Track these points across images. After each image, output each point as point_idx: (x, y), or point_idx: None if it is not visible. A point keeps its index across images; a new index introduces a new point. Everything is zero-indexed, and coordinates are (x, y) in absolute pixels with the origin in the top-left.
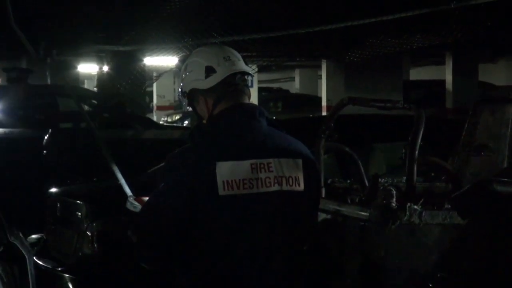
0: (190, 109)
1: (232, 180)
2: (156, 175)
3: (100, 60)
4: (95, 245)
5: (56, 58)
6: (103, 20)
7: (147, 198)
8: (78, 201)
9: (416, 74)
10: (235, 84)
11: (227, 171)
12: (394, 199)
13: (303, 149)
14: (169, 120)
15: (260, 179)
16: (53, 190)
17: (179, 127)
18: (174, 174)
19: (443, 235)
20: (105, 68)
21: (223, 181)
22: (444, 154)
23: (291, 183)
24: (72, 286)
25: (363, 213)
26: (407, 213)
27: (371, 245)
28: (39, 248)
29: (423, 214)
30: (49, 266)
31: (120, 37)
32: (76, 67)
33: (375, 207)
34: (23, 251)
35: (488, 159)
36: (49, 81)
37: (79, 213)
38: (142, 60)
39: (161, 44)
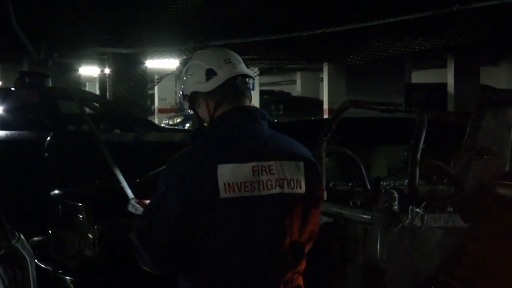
0: (192, 112)
1: (233, 183)
2: (157, 178)
3: (101, 62)
4: (97, 247)
5: (57, 60)
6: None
7: (149, 200)
8: (80, 204)
9: (418, 77)
10: (236, 86)
11: (228, 174)
12: (396, 202)
13: (305, 151)
14: (171, 122)
15: (262, 181)
16: (55, 192)
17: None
18: (176, 176)
19: (445, 238)
20: (107, 71)
21: (225, 184)
22: (446, 157)
23: (292, 186)
24: None
25: (365, 216)
26: (409, 216)
27: (373, 248)
28: (41, 251)
29: (425, 217)
30: (50, 269)
31: (122, 39)
32: (77, 70)
33: (377, 210)
34: (25, 254)
35: (491, 162)
36: (50, 84)
37: (81, 216)
38: (144, 63)
39: (163, 47)
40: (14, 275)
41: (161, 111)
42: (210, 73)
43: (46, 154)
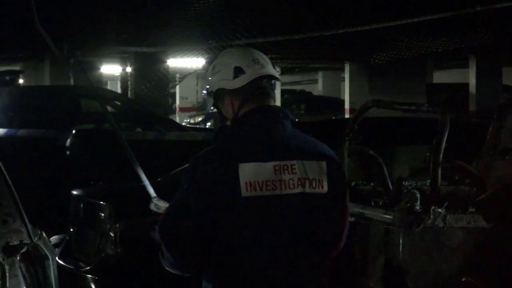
0: (214, 109)
1: (255, 182)
2: (179, 177)
3: (123, 61)
4: (118, 246)
5: (79, 59)
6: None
7: (171, 199)
8: (102, 202)
9: (440, 77)
10: (262, 87)
11: (250, 173)
12: (418, 202)
13: (328, 151)
14: (192, 121)
15: (284, 180)
16: (77, 191)
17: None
18: (198, 175)
19: (467, 238)
20: (128, 69)
21: (246, 183)
22: (469, 157)
23: (314, 186)
24: (95, 287)
25: (387, 216)
26: (431, 216)
27: (395, 248)
28: (62, 249)
29: (447, 217)
30: (71, 267)
31: (144, 38)
32: (99, 68)
33: (399, 210)
34: (46, 252)
35: None
36: (72, 82)
37: (102, 214)
38: (166, 62)
39: (185, 46)
40: (35, 273)
41: (182, 109)
42: (238, 71)
43: (68, 152)
